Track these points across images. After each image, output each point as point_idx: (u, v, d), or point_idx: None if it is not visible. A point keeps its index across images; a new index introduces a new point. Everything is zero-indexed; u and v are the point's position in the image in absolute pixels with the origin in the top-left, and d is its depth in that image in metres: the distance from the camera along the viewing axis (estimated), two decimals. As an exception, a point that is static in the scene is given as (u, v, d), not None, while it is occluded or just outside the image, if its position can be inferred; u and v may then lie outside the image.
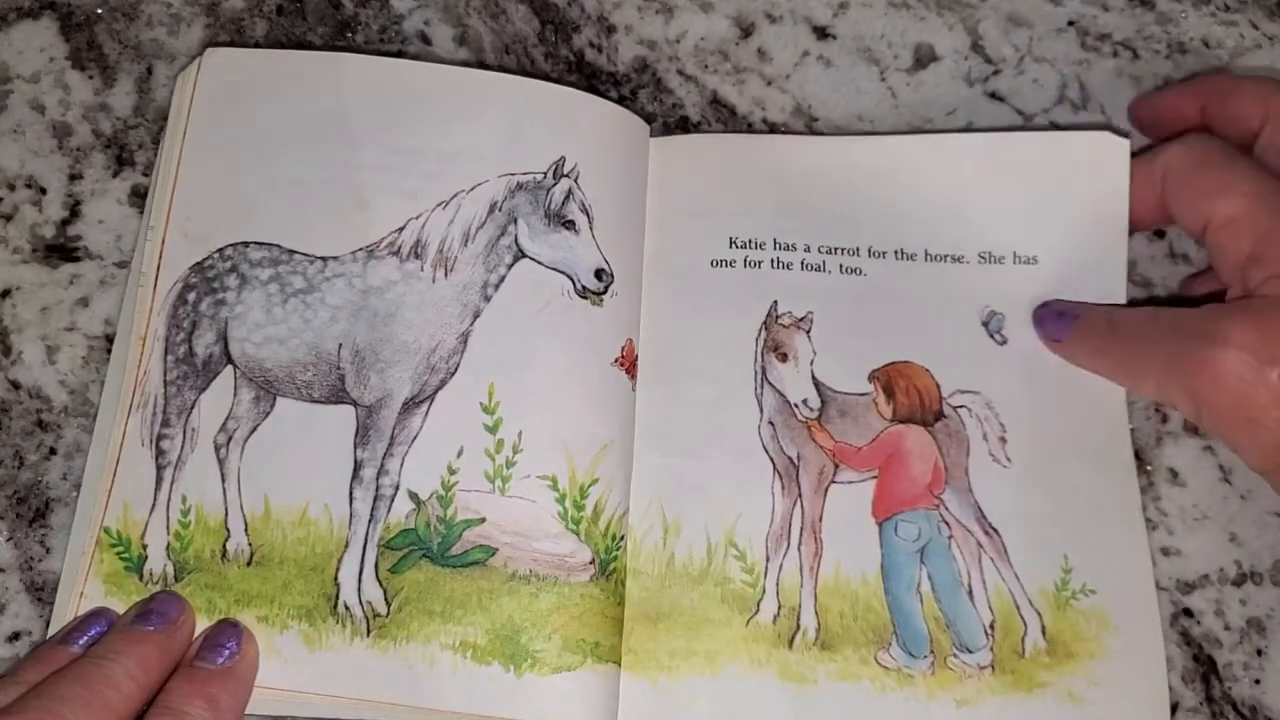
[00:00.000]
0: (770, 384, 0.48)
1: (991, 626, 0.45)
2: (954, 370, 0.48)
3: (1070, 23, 0.56)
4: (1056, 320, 0.48)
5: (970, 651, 0.45)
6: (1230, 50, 0.55)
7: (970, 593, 0.46)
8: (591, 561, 0.45)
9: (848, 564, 0.46)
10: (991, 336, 0.49)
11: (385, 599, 0.44)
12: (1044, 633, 0.45)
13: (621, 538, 0.46)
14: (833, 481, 0.47)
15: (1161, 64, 0.55)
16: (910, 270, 0.50)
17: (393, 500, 0.45)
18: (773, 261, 0.50)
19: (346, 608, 0.44)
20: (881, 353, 0.48)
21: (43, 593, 0.46)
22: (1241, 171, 0.45)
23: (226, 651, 0.42)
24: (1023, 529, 0.46)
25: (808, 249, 0.50)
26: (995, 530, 0.46)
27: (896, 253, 0.50)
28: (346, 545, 0.45)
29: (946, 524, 0.46)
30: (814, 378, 0.48)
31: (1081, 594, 0.45)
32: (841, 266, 0.50)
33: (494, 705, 0.43)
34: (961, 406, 0.48)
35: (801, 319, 0.49)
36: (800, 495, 0.47)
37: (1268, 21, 0.56)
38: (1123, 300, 0.49)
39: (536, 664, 0.43)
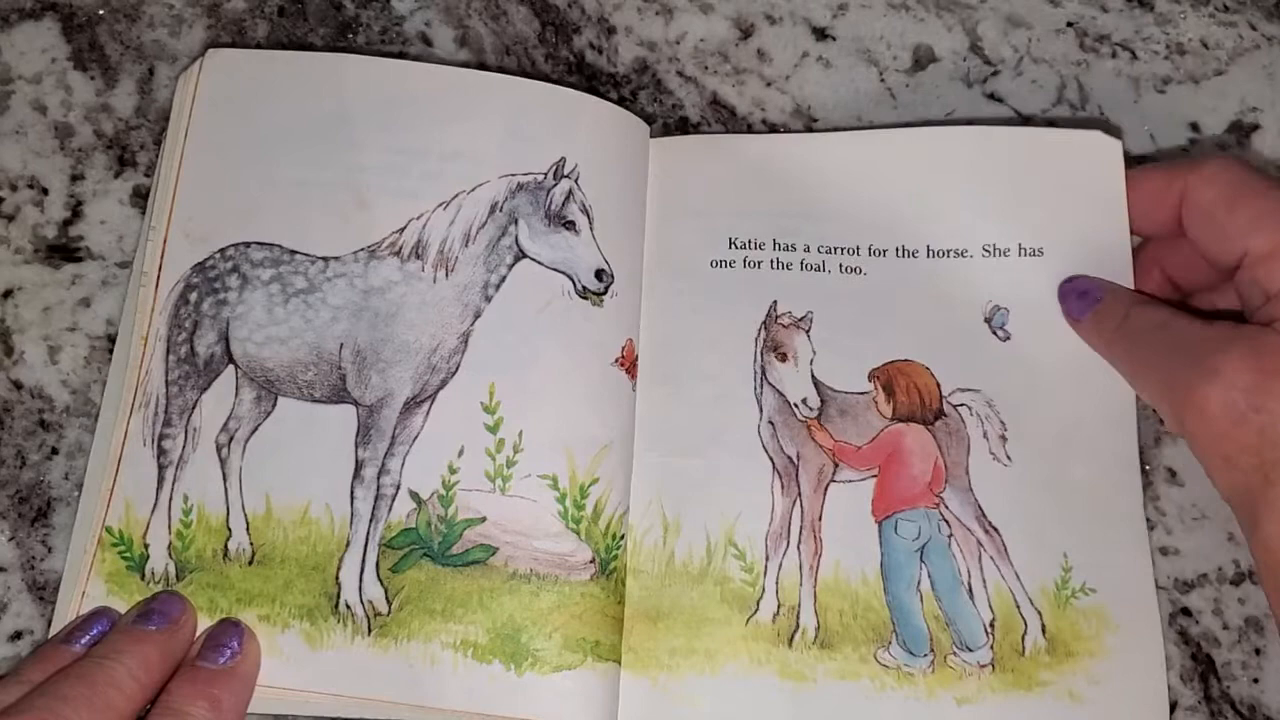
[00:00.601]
0: (770, 383, 0.48)
1: (991, 625, 0.45)
2: (955, 368, 0.48)
3: (1069, 24, 0.56)
4: (1078, 299, 0.48)
5: (970, 650, 0.45)
6: (1229, 51, 0.55)
7: (970, 591, 0.46)
8: (592, 560, 0.45)
9: (847, 563, 0.46)
10: (994, 333, 0.49)
11: (386, 598, 0.44)
12: (1044, 631, 0.45)
13: (622, 537, 0.46)
14: (832, 480, 0.47)
15: (1160, 65, 0.55)
16: (911, 268, 0.50)
17: (394, 500, 0.45)
18: (772, 262, 0.50)
19: (348, 607, 0.44)
20: (881, 351, 0.48)
21: (44, 592, 0.46)
22: (1273, 201, 0.43)
23: (228, 651, 0.42)
24: (1023, 528, 0.46)
25: (807, 249, 0.50)
26: (995, 529, 0.46)
27: (897, 250, 0.50)
28: (348, 544, 0.45)
29: (946, 523, 0.47)
30: (813, 377, 0.48)
31: (1081, 593, 0.45)
32: (841, 266, 0.50)
33: (495, 704, 0.43)
34: (962, 405, 0.48)
35: (801, 319, 0.49)
36: (800, 494, 0.47)
37: (1266, 22, 0.56)
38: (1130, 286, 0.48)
39: (537, 662, 0.43)
